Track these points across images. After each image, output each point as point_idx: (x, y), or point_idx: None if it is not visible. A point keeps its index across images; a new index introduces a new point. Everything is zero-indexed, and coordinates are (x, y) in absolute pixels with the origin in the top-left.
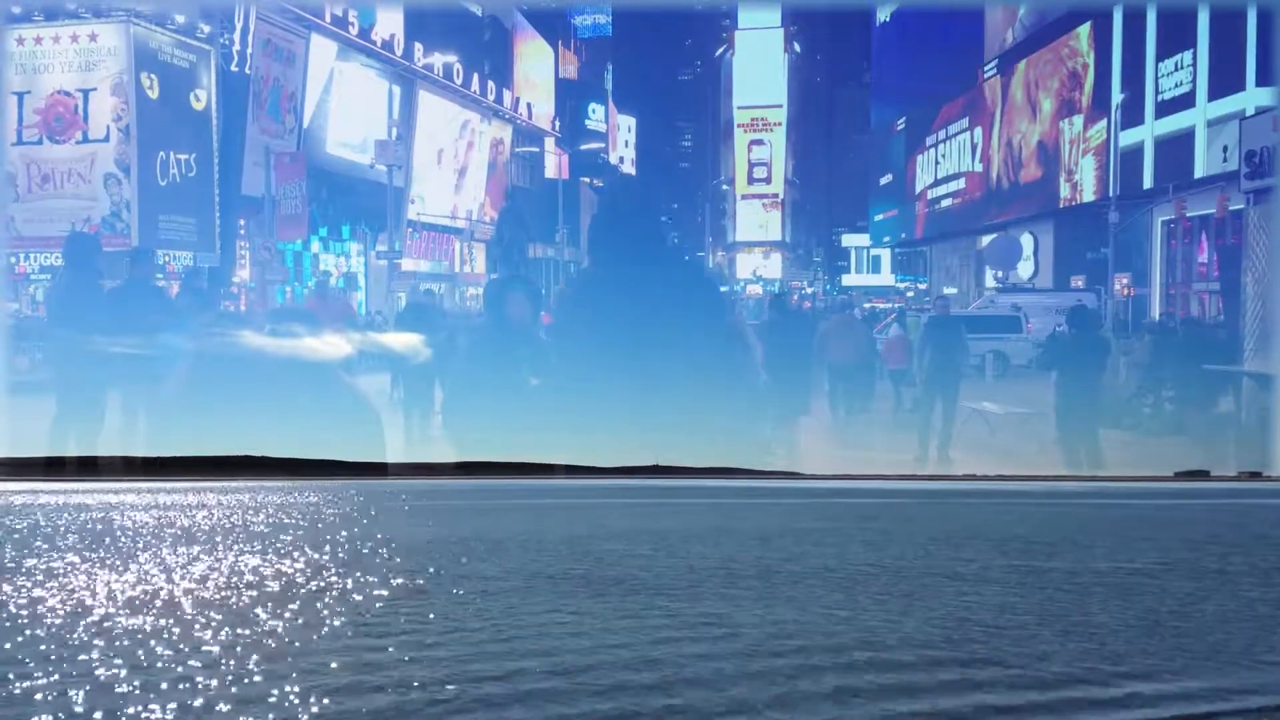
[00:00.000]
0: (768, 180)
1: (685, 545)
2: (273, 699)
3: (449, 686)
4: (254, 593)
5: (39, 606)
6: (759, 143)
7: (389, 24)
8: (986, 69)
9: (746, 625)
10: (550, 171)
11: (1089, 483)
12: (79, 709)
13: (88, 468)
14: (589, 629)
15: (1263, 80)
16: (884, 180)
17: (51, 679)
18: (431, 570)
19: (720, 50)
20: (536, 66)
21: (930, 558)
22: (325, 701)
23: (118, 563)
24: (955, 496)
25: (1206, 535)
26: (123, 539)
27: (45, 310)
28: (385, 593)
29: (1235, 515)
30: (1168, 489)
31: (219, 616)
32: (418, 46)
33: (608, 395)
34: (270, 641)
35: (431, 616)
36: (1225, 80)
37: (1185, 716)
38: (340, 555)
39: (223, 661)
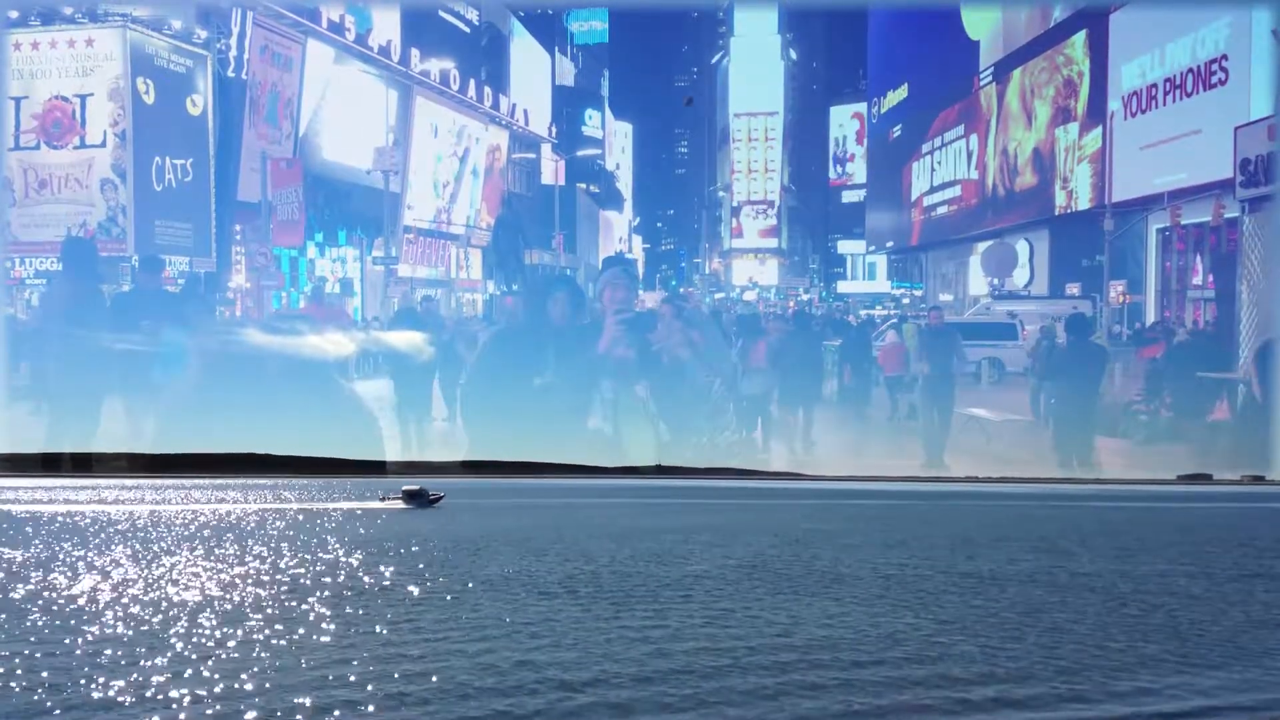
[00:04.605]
0: (764, 187)
1: (714, 545)
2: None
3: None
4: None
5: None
6: (755, 149)
7: (385, 30)
8: (982, 77)
9: (804, 626)
10: (547, 178)
11: (1095, 485)
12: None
13: (82, 465)
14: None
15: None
16: (880, 188)
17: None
18: (475, 570)
19: (717, 57)
20: (533, 73)
21: (971, 559)
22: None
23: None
24: (965, 498)
25: (1224, 539)
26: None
27: (41, 314)
28: (470, 594)
29: (1244, 519)
30: (1175, 492)
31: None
32: (414, 53)
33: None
34: (318, 638)
35: (504, 617)
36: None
37: None
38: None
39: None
